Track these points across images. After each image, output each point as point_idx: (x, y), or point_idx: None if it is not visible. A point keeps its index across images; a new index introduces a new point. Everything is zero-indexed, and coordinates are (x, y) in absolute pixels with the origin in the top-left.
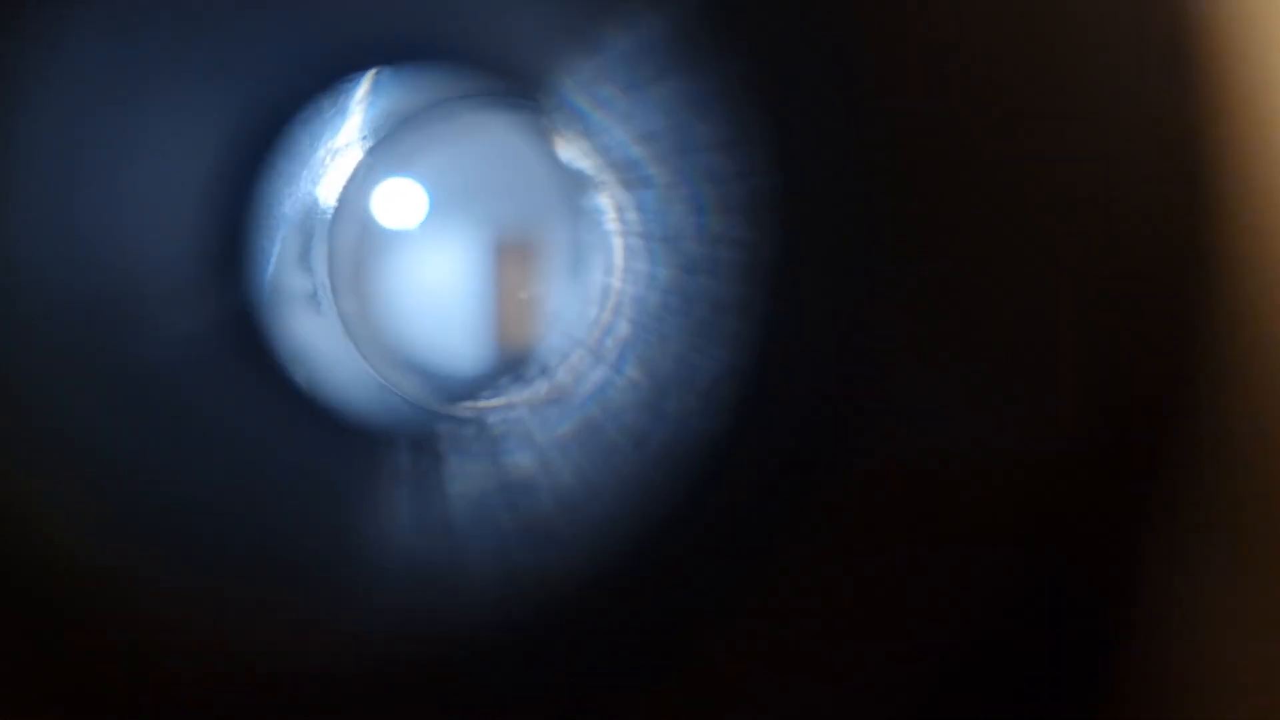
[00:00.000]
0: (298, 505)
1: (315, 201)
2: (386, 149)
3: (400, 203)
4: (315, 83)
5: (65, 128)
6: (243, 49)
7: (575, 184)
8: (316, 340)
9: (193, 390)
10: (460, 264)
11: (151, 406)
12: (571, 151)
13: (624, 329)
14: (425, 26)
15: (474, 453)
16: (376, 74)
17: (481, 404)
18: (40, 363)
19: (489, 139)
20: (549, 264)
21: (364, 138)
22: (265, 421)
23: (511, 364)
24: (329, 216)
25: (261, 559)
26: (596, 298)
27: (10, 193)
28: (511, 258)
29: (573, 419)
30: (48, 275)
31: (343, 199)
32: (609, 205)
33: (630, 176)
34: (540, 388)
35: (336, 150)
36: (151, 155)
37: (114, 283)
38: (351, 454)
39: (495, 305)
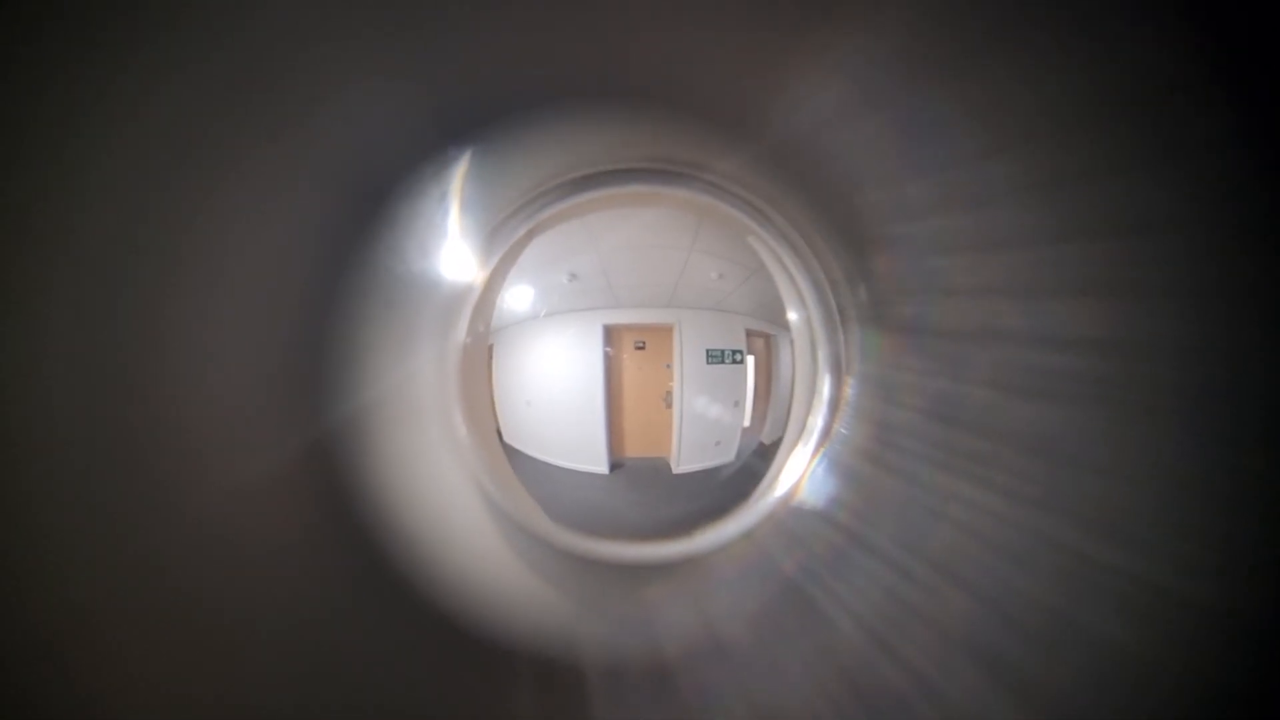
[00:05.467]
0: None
1: (426, 291)
2: (503, 231)
3: (520, 294)
4: (419, 150)
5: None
6: (343, 114)
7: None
8: (421, 469)
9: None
10: (584, 360)
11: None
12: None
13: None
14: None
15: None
16: (486, 146)
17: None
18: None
19: (624, 222)
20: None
21: (475, 219)
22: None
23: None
24: (442, 309)
25: None
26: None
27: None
28: (642, 353)
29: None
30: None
31: (456, 287)
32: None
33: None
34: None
35: (445, 232)
36: (227, 239)
37: (168, 411)
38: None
39: (619, 412)
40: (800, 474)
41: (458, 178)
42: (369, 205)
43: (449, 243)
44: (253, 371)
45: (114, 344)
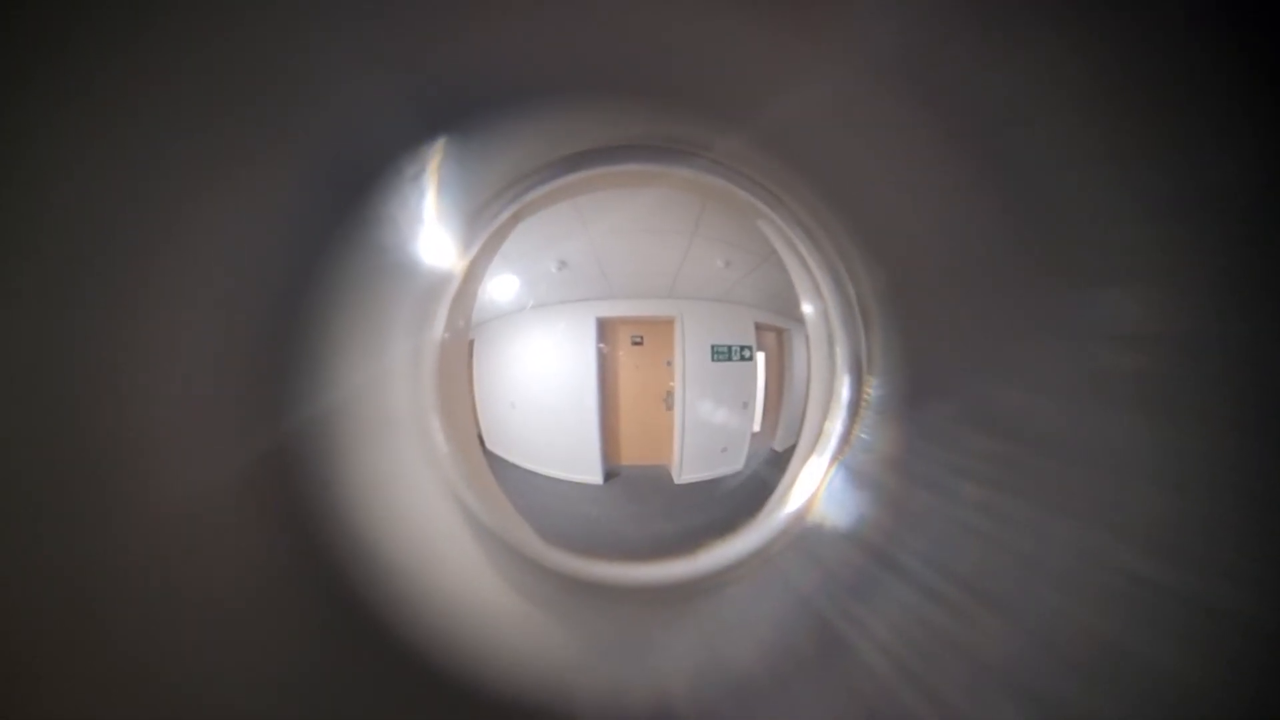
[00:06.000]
0: None
1: (400, 281)
2: (485, 215)
3: (504, 284)
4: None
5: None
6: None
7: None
8: (393, 480)
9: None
10: (575, 357)
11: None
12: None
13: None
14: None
15: None
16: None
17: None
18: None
19: (620, 205)
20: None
21: (454, 201)
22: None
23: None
24: (418, 301)
25: None
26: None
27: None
28: (641, 349)
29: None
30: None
31: (433, 277)
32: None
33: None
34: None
35: (421, 216)
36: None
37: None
38: None
39: (614, 415)
40: (817, 485)
41: (435, 156)
42: (338, 187)
43: (425, 228)
44: (206, 377)
45: (62, 334)
